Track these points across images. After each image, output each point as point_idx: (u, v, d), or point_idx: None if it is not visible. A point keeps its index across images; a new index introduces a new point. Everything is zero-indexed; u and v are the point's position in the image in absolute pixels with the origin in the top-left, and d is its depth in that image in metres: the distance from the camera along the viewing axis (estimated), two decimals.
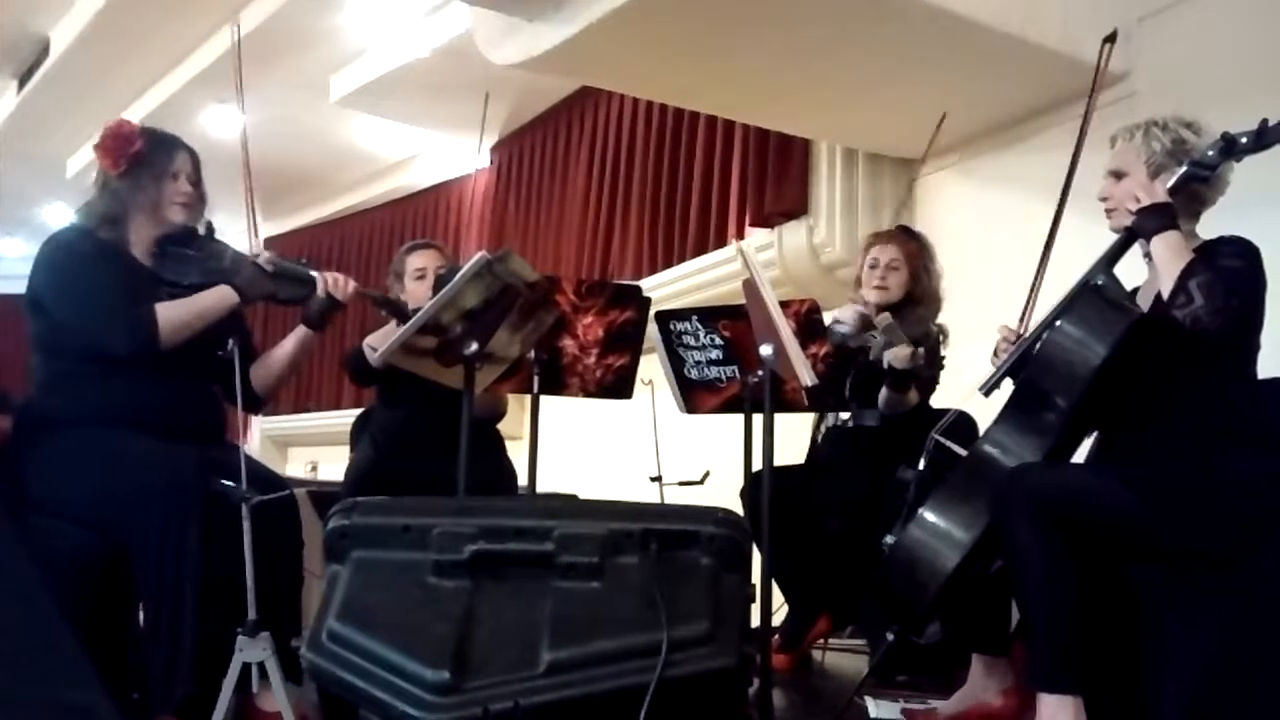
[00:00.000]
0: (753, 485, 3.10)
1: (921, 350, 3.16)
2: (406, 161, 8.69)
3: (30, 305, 2.69)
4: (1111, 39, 2.86)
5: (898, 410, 3.30)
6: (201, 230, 2.88)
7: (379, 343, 3.26)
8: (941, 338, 3.46)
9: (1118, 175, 2.55)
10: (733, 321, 3.02)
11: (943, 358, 3.45)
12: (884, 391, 3.31)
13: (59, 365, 2.68)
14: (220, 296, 2.75)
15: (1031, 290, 2.68)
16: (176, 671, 2.41)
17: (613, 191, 6.56)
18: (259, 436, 9.90)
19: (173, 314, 2.66)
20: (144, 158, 2.76)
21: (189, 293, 2.74)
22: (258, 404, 3.00)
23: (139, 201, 2.77)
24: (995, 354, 2.67)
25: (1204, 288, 2.23)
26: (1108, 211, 2.57)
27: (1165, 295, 2.28)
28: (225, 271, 2.80)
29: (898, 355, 3.15)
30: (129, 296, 2.64)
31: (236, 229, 3.62)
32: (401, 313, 3.27)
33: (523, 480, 3.35)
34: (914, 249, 3.50)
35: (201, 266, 2.80)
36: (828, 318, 3.16)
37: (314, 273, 2.94)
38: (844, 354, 3.26)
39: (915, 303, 3.48)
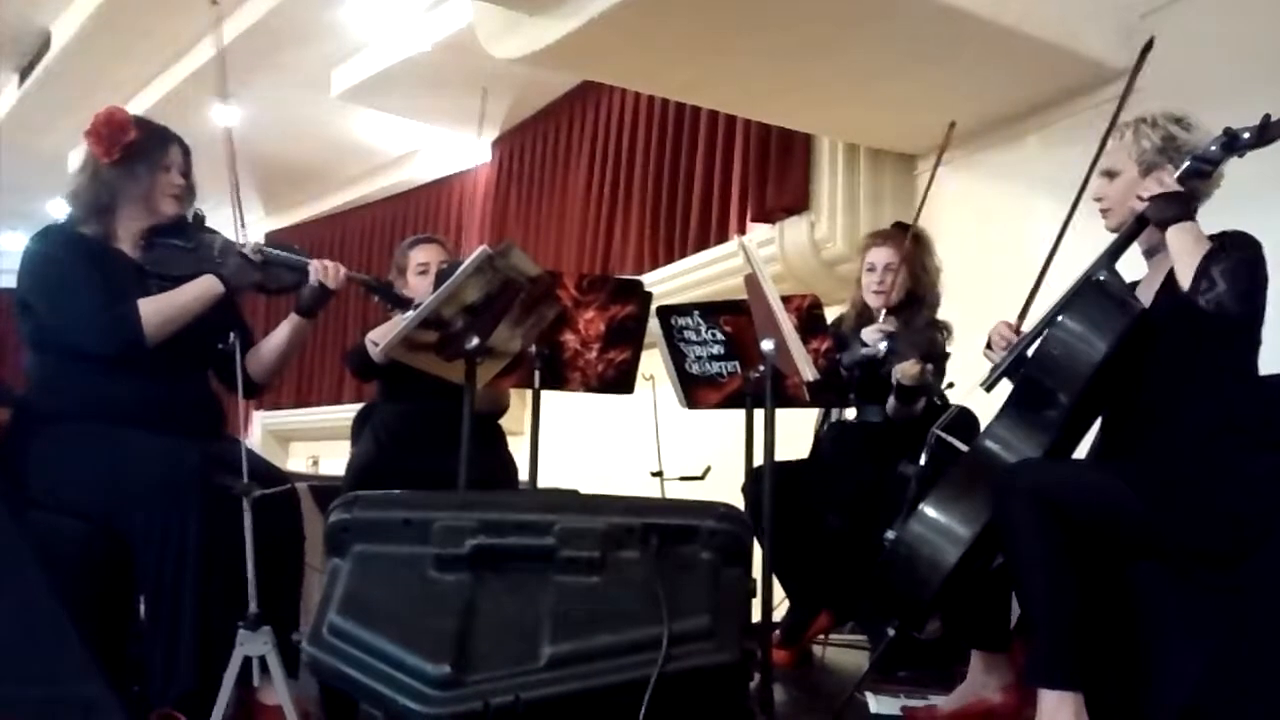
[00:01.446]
0: (754, 480, 3.10)
1: (931, 367, 3.16)
2: (408, 156, 8.69)
3: (19, 305, 2.69)
4: (1149, 47, 2.86)
5: (904, 418, 3.30)
6: (190, 219, 2.87)
7: (381, 338, 3.26)
8: (945, 334, 3.46)
9: (1110, 175, 2.55)
10: (734, 317, 3.01)
11: (947, 354, 3.45)
12: (891, 401, 3.31)
13: (53, 362, 2.68)
14: (205, 287, 2.73)
15: (1034, 287, 2.67)
16: (177, 665, 2.41)
17: (614, 186, 6.56)
18: (260, 431, 9.90)
19: (156, 309, 2.65)
20: (138, 148, 2.74)
21: (179, 284, 2.73)
22: (254, 390, 2.99)
23: (131, 192, 2.75)
24: (989, 347, 2.66)
25: (1227, 274, 2.22)
26: (1103, 211, 2.57)
27: (1185, 283, 2.26)
28: (214, 261, 2.79)
29: (906, 372, 3.15)
30: (111, 295, 2.62)
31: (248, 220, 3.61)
32: (391, 295, 3.27)
33: (524, 475, 3.36)
34: (910, 248, 3.48)
35: (191, 257, 2.78)
36: (830, 314, 3.16)
37: (303, 257, 2.93)
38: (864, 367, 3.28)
39: (917, 301, 3.48)
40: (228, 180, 3.26)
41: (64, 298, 2.64)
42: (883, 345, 3.23)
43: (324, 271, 2.88)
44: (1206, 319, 2.24)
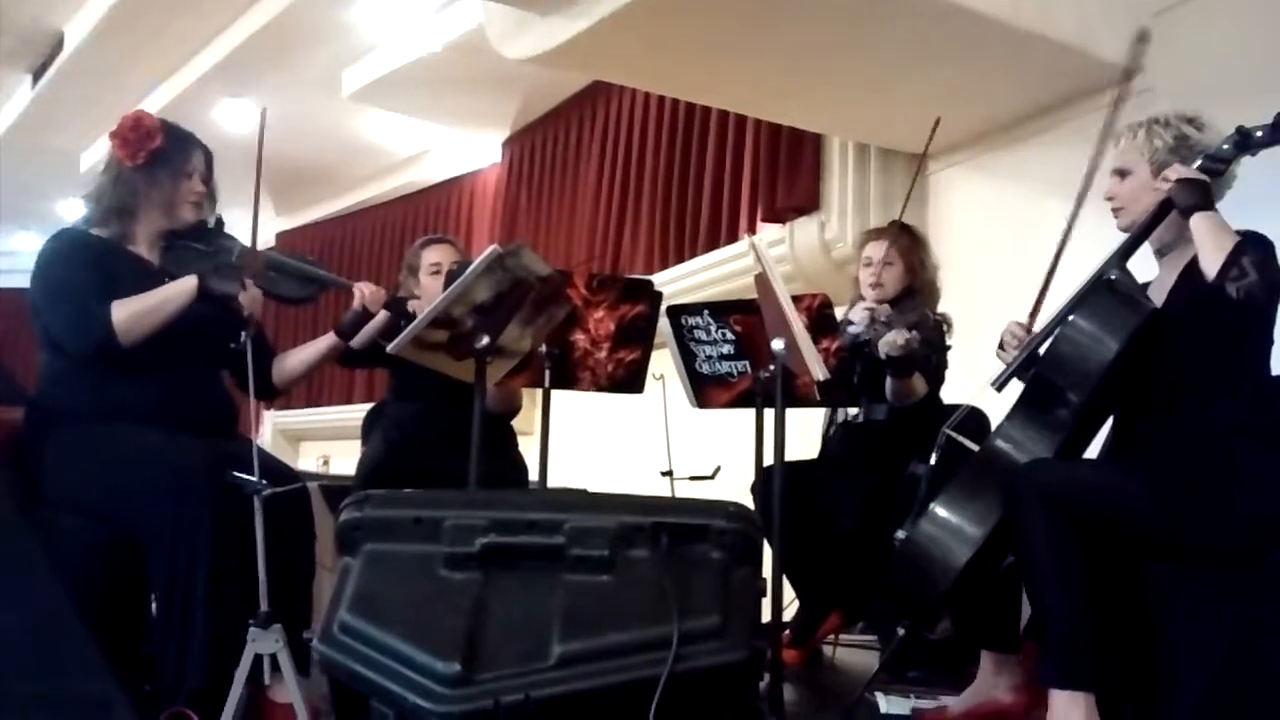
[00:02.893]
0: (763, 480, 3.10)
1: (915, 334, 3.14)
2: (418, 156, 8.70)
3: (31, 304, 2.71)
4: (1144, 38, 2.84)
5: (907, 400, 3.28)
6: (211, 224, 2.88)
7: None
8: (946, 327, 3.46)
9: (1122, 174, 2.55)
10: (744, 316, 3.01)
11: (948, 346, 3.44)
12: (889, 383, 3.30)
13: (64, 362, 2.68)
14: (180, 287, 2.68)
15: (1044, 286, 2.67)
16: (188, 663, 2.42)
17: (624, 186, 6.55)
18: (271, 430, 9.91)
19: (127, 309, 2.61)
20: (163, 154, 2.75)
21: None
22: (272, 393, 3.01)
23: (153, 197, 2.77)
24: (1001, 347, 2.65)
25: (1258, 265, 2.21)
26: (1115, 211, 2.57)
27: (1210, 270, 2.23)
28: (231, 266, 2.80)
29: (889, 342, 3.13)
30: (99, 297, 2.60)
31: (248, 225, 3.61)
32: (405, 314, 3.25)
33: (534, 475, 3.36)
34: (906, 243, 3.49)
35: (208, 261, 2.80)
36: (839, 313, 3.15)
37: (322, 271, 2.95)
38: (856, 351, 3.26)
39: (914, 295, 3.49)
40: (244, 182, 3.25)
41: (55, 299, 2.66)
42: (866, 321, 3.22)
43: (370, 297, 2.99)
44: (1233, 307, 2.21)
